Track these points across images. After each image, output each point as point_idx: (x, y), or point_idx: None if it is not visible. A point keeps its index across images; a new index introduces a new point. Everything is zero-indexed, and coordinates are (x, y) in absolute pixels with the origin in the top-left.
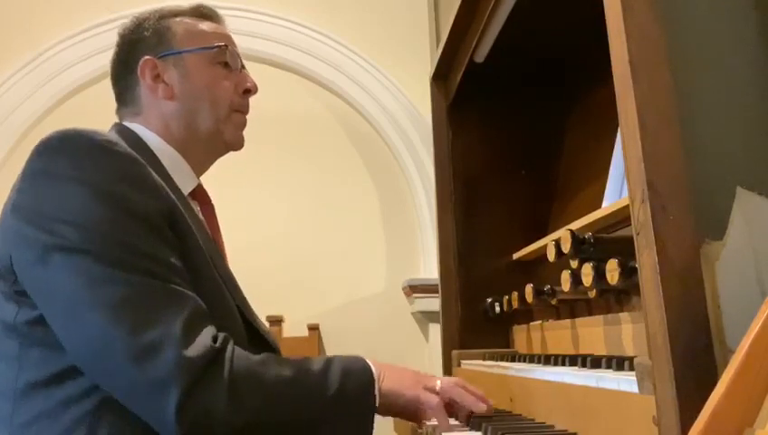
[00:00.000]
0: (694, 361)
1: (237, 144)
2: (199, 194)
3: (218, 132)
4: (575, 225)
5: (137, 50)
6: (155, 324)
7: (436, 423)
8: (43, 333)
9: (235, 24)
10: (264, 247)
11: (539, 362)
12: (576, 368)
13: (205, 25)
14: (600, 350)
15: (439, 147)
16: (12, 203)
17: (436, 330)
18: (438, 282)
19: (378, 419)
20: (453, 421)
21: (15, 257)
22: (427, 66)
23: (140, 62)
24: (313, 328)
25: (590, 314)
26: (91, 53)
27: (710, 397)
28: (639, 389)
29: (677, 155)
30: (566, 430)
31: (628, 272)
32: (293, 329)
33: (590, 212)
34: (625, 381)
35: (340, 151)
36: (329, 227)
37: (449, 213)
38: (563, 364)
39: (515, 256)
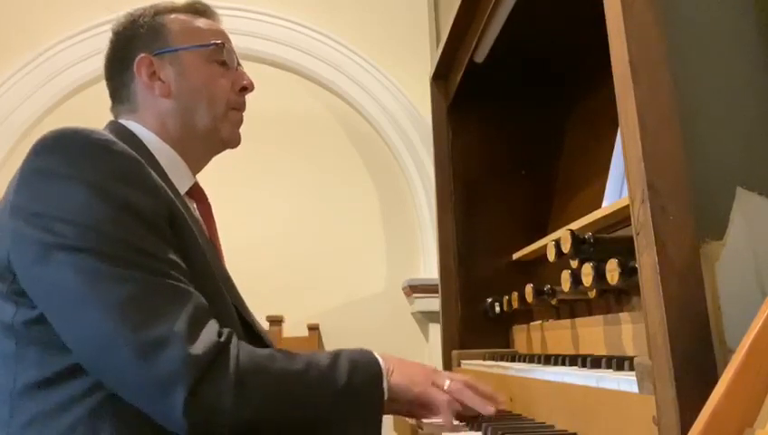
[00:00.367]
0: (694, 361)
1: (234, 142)
2: (196, 192)
3: (215, 130)
4: (575, 225)
5: (132, 47)
6: (159, 321)
7: (436, 422)
8: (41, 333)
9: (234, 24)
10: (264, 247)
11: (539, 362)
12: (576, 368)
13: (201, 22)
14: (600, 350)
15: (439, 147)
16: (9, 203)
17: (436, 330)
18: (438, 282)
19: None
20: (437, 419)
21: (14, 257)
22: (427, 66)
23: (136, 60)
24: (313, 328)
25: (590, 314)
26: (90, 52)
27: (710, 397)
28: (639, 389)
29: (677, 155)
30: (566, 430)
31: (628, 272)
32: (293, 329)
33: (590, 212)
34: (625, 381)
35: (340, 151)
36: (329, 227)
37: (449, 213)
38: (563, 364)
39: (515, 256)
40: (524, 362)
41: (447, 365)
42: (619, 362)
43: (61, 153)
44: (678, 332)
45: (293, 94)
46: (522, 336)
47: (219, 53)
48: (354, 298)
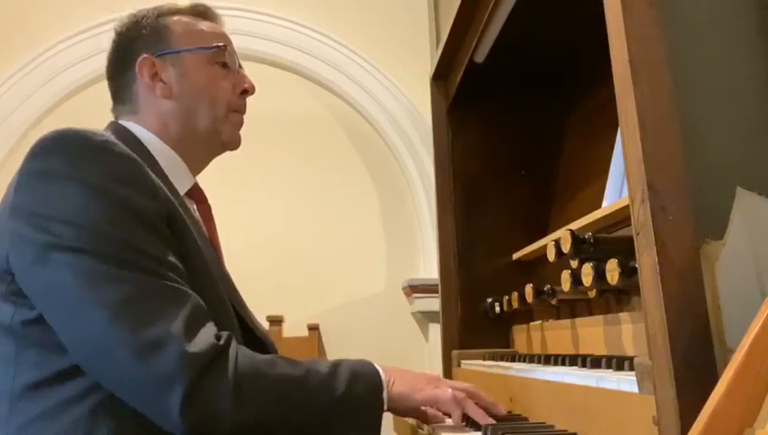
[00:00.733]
0: (694, 361)
1: (234, 144)
2: (196, 193)
3: (216, 132)
4: (575, 225)
5: (134, 48)
6: (157, 321)
7: (437, 424)
8: (40, 333)
9: (234, 24)
10: (264, 247)
11: (539, 362)
12: (576, 368)
13: (203, 25)
14: (600, 350)
15: (439, 147)
16: (9, 203)
17: (436, 330)
18: (438, 282)
19: None
20: (448, 420)
21: (13, 258)
22: (427, 66)
23: (138, 61)
24: (313, 328)
25: (590, 314)
26: (90, 52)
27: (710, 397)
28: (639, 389)
29: (677, 155)
30: (566, 430)
31: (628, 272)
32: (293, 329)
33: (590, 212)
34: (625, 381)
35: (340, 151)
36: (329, 227)
37: (449, 213)
38: (563, 364)
39: (515, 256)
40: (524, 362)
41: (447, 365)
42: (619, 362)
43: (60, 154)
44: (678, 332)
45: (293, 94)
46: (522, 336)
47: (221, 56)
48: (354, 298)
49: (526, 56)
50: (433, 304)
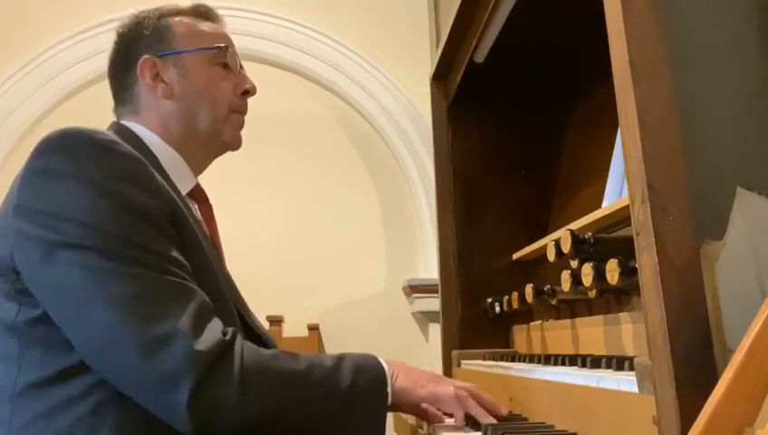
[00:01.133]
0: (694, 361)
1: (235, 144)
2: (197, 194)
3: (217, 132)
4: (575, 225)
5: (136, 48)
6: (163, 318)
7: (447, 424)
8: (44, 332)
9: (234, 24)
10: (264, 247)
11: (539, 362)
12: (576, 368)
13: (205, 26)
14: (600, 350)
15: (439, 147)
16: (13, 202)
17: (436, 330)
18: (438, 282)
19: None
20: (449, 420)
21: (18, 256)
22: (427, 66)
23: (140, 61)
24: (313, 328)
25: (590, 314)
26: (91, 53)
27: (710, 397)
28: (639, 389)
29: (677, 155)
30: (566, 430)
31: (628, 272)
32: (293, 329)
33: (590, 212)
34: (625, 381)
35: (340, 151)
36: (329, 227)
37: (449, 213)
38: (563, 364)
39: (515, 256)
40: (524, 362)
41: (447, 365)
42: (619, 362)
43: (64, 153)
44: (678, 332)
45: (293, 94)
46: (522, 336)
47: (222, 56)
48: (354, 298)
49: (526, 56)
50: (433, 304)
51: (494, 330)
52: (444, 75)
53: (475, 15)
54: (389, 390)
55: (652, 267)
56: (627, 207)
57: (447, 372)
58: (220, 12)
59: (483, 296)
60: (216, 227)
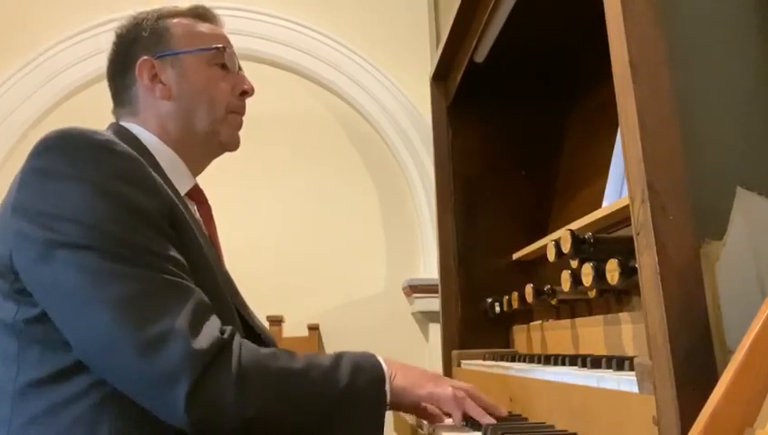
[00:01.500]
0: (694, 361)
1: (233, 145)
2: (196, 194)
3: (215, 133)
4: (575, 225)
5: (134, 50)
6: (161, 317)
7: (437, 424)
8: (43, 331)
9: (234, 24)
10: (264, 247)
11: (539, 362)
12: (576, 368)
13: (203, 27)
14: (600, 350)
15: (439, 147)
16: (11, 202)
17: (436, 330)
18: (438, 282)
19: None
20: (448, 420)
21: (16, 256)
22: (427, 66)
23: (138, 62)
24: (313, 328)
25: (590, 314)
26: (91, 53)
27: (710, 397)
28: (639, 389)
29: (677, 155)
30: (566, 431)
31: (628, 272)
32: (293, 329)
33: (590, 212)
34: (625, 382)
35: (340, 151)
36: (329, 227)
37: (449, 213)
38: (563, 364)
39: (515, 256)
40: (524, 362)
41: (447, 365)
42: (619, 362)
43: (63, 153)
44: (678, 332)
45: (293, 94)
46: (522, 336)
47: (220, 57)
48: (354, 298)
49: (526, 56)
50: (433, 304)
51: (494, 330)
52: (444, 75)
53: (475, 15)
54: (388, 389)
55: (652, 267)
56: (627, 207)
57: (447, 371)
58: (219, 12)
59: (483, 296)
60: (214, 227)
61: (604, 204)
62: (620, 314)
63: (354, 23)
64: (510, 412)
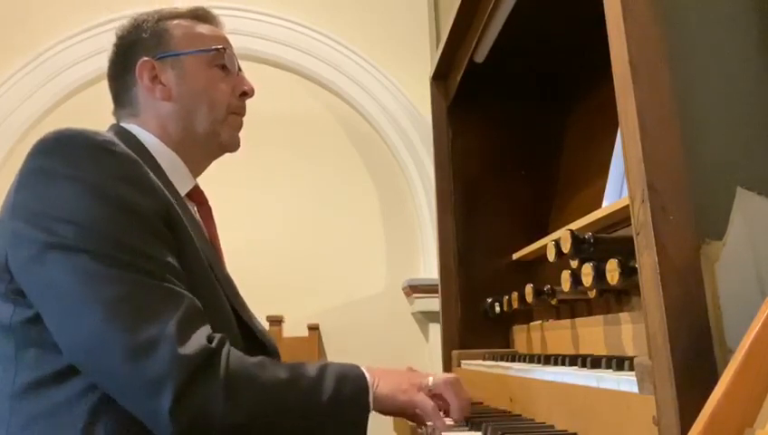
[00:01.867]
0: (694, 361)
1: (233, 146)
2: (196, 195)
3: (215, 134)
4: (575, 225)
5: (135, 51)
6: (150, 323)
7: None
8: (39, 333)
9: (234, 24)
10: (264, 247)
11: (539, 362)
12: (576, 368)
13: (203, 28)
14: (600, 350)
15: (439, 147)
16: (10, 202)
17: (436, 330)
18: (438, 282)
19: (378, 418)
20: (449, 420)
21: (12, 256)
22: (427, 66)
23: (138, 64)
24: (313, 328)
25: (590, 314)
26: (91, 53)
27: (710, 397)
28: (639, 389)
29: (677, 155)
30: (566, 430)
31: (628, 272)
32: (293, 329)
33: (590, 212)
34: (625, 382)
35: (340, 151)
36: (329, 227)
37: (449, 213)
38: (563, 364)
39: (515, 256)
40: (524, 362)
41: (447, 365)
42: (619, 362)
43: (61, 154)
44: (678, 332)
45: (293, 95)
46: (522, 336)
47: (220, 58)
48: (354, 298)
49: (526, 56)
50: (433, 304)
51: (494, 330)
52: (444, 75)
53: (475, 15)
54: (371, 399)
55: (652, 267)
56: (627, 207)
57: (447, 371)
58: (219, 12)
59: (483, 296)
60: (215, 227)
61: (604, 204)
62: (620, 314)
63: (354, 23)
64: (510, 412)
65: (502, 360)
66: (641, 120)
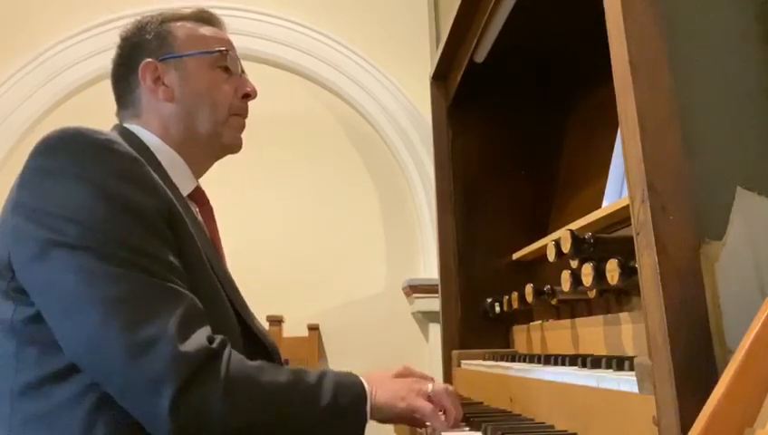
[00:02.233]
0: (694, 361)
1: (235, 147)
2: (198, 195)
3: (217, 135)
4: (575, 225)
5: (138, 53)
6: (151, 321)
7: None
8: (40, 331)
9: (234, 24)
10: (264, 247)
11: (539, 362)
12: (576, 368)
13: (206, 30)
14: (600, 350)
15: (439, 147)
16: (12, 201)
17: (436, 330)
18: (438, 282)
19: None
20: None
21: (14, 253)
22: (427, 66)
23: (141, 65)
24: (313, 328)
25: (590, 314)
26: (91, 53)
27: (710, 397)
28: (639, 389)
29: (677, 155)
30: (566, 431)
31: (628, 272)
32: (293, 329)
33: (590, 212)
34: (625, 382)
35: (340, 151)
36: (329, 227)
37: (449, 213)
38: (563, 364)
39: (515, 256)
40: (524, 362)
41: (447, 365)
42: (619, 362)
43: (63, 152)
44: (678, 332)
45: (294, 95)
46: (522, 336)
47: (223, 60)
48: (354, 298)
49: (526, 56)
50: (433, 304)
51: (494, 330)
52: (444, 75)
53: (475, 15)
54: (369, 407)
55: (652, 267)
56: (627, 207)
57: (447, 372)
58: (219, 12)
59: (483, 296)
60: (216, 228)
61: (604, 204)
62: (620, 314)
63: (354, 23)
64: (510, 412)
65: (502, 360)
66: (641, 120)
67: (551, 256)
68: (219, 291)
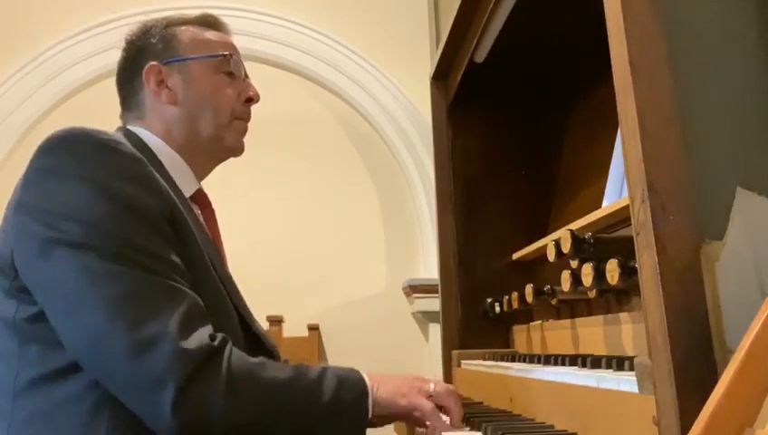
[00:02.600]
0: (694, 361)
1: (238, 150)
2: (200, 197)
3: (219, 138)
4: (575, 225)
5: (143, 56)
6: (153, 320)
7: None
8: (42, 329)
9: (234, 24)
10: (264, 248)
11: (539, 362)
12: (576, 368)
13: (210, 34)
14: (600, 350)
15: (439, 147)
16: (16, 200)
17: (436, 330)
18: (438, 282)
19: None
20: (448, 419)
21: (17, 252)
22: (427, 66)
23: (145, 68)
24: (313, 328)
25: (590, 314)
26: (91, 53)
27: (710, 397)
28: (639, 389)
29: (677, 155)
30: (566, 431)
31: (628, 272)
32: (293, 329)
33: (590, 212)
34: (625, 382)
35: (340, 151)
36: (329, 227)
37: (449, 213)
38: (563, 364)
39: (515, 256)
40: (524, 362)
41: (447, 365)
42: (619, 362)
43: (67, 152)
44: (678, 332)
45: (294, 95)
46: (522, 336)
47: (226, 64)
48: (354, 298)
49: (526, 56)
50: (433, 304)
51: (494, 330)
52: (444, 75)
53: (475, 15)
54: (371, 403)
55: (652, 267)
56: (627, 207)
57: (447, 372)
58: (219, 12)
59: (483, 296)
60: (218, 229)
61: (604, 204)
62: (620, 314)
63: (354, 23)
64: (510, 412)
65: (502, 360)
66: (641, 120)
67: (551, 256)
68: (221, 291)
